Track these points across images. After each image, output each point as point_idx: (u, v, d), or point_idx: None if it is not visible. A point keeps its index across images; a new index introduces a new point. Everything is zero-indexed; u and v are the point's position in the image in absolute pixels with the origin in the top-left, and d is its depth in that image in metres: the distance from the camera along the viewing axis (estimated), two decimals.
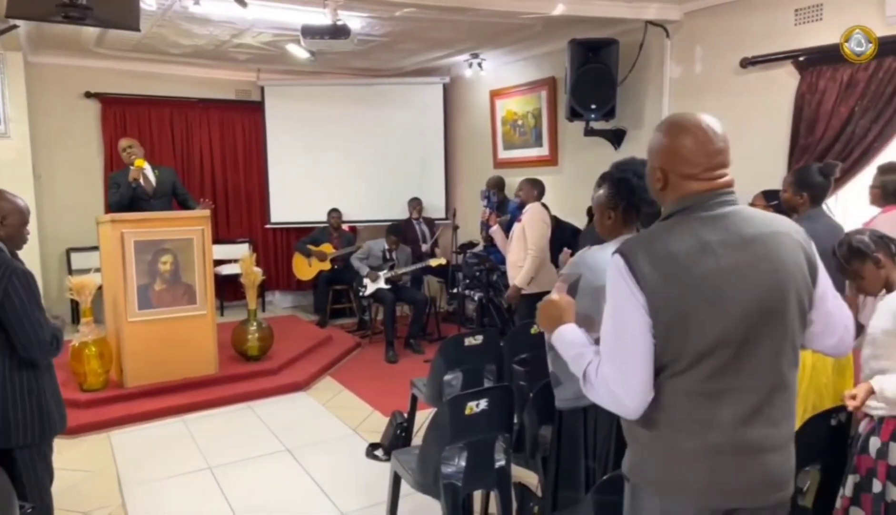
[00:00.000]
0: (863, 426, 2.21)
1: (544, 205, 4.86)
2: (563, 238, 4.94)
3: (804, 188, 2.99)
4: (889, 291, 2.22)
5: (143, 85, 6.91)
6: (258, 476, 3.60)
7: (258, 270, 5.16)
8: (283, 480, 3.55)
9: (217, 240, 6.45)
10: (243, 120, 7.55)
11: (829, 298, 1.54)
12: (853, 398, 2.11)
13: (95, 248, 4.93)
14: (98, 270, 4.76)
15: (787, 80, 4.11)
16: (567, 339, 1.62)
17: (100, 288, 4.60)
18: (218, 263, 6.45)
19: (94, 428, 4.16)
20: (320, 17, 4.44)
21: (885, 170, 3.14)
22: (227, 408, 4.56)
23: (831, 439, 2.36)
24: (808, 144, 3.94)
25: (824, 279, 1.53)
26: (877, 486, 2.12)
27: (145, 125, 7.01)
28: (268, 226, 7.60)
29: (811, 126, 3.94)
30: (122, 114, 6.90)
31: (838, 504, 2.24)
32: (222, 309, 6.95)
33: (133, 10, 3.57)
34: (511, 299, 4.61)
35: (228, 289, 7.07)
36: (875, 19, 3.59)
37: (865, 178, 3.40)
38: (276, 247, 7.81)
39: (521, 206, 4.71)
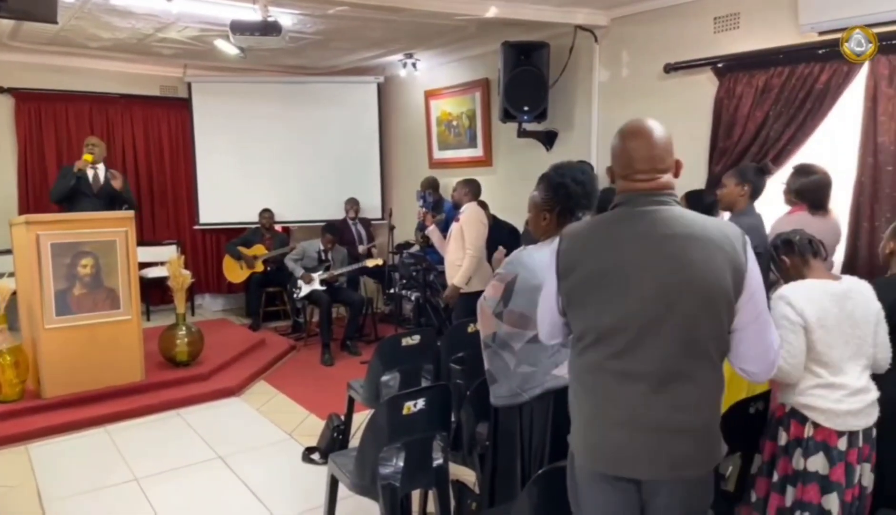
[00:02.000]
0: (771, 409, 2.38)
1: (483, 203, 4.92)
2: (501, 237, 5.01)
3: (746, 182, 3.16)
4: None
5: (60, 80, 6.57)
6: (189, 486, 3.48)
7: (186, 272, 4.99)
8: (215, 489, 3.45)
9: (142, 242, 6.22)
10: (169, 117, 7.28)
11: (754, 308, 1.60)
12: None
13: (9, 251, 4.66)
14: (12, 274, 4.49)
15: (707, 85, 4.31)
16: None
17: (14, 293, 4.35)
18: (143, 265, 6.19)
19: (11, 441, 3.93)
20: (250, 13, 4.34)
21: (797, 172, 3.31)
22: (154, 417, 4.39)
23: (751, 426, 2.49)
24: (726, 146, 4.14)
25: (751, 289, 1.59)
26: (767, 468, 2.29)
27: (62, 122, 6.67)
28: (196, 227, 7.36)
29: (729, 129, 4.14)
30: (37, 110, 6.54)
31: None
32: (148, 314, 6.69)
33: (50, 1, 3.38)
34: (450, 299, 4.64)
35: (155, 293, 6.80)
36: (788, 28, 3.81)
37: (780, 179, 3.58)
38: (206, 249, 7.58)
39: (457, 206, 4.75)
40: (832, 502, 2.15)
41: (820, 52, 3.67)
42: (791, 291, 2.22)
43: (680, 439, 1.61)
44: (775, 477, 2.25)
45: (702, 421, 1.63)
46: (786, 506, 2.21)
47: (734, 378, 3.01)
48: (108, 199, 5.23)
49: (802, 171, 3.29)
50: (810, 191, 3.21)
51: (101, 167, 5.30)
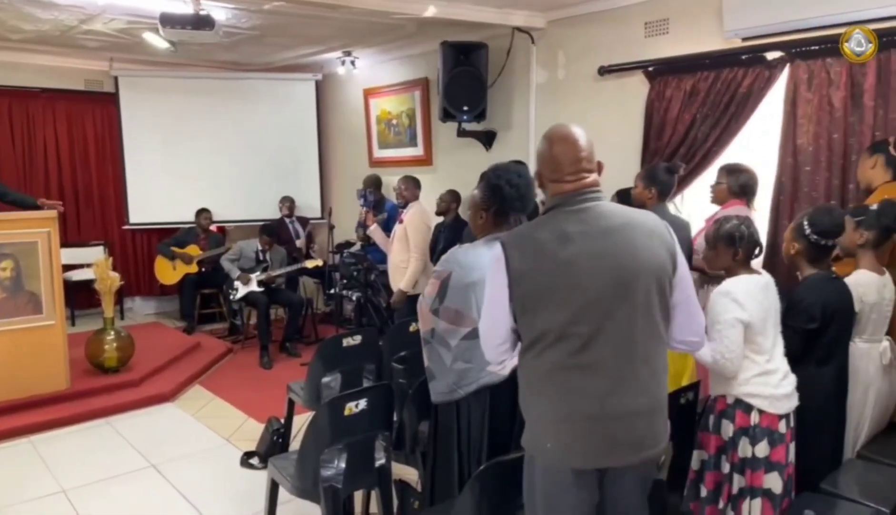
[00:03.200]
0: (709, 405, 2.43)
1: (455, 192, 4.96)
2: (459, 233, 5.01)
3: (652, 184, 3.25)
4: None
5: None
6: (120, 496, 3.36)
7: (115, 274, 4.80)
8: (149, 499, 3.33)
9: (66, 243, 5.93)
10: (94, 113, 6.97)
11: (687, 285, 1.78)
12: None
13: None
14: None
15: (639, 87, 4.45)
16: None
17: None
18: (68, 268, 5.93)
19: None
20: (181, 6, 4.20)
21: (730, 170, 3.46)
22: (81, 425, 4.21)
23: (680, 416, 2.59)
24: (657, 147, 4.29)
25: (682, 268, 1.76)
26: (705, 455, 2.37)
27: None
28: (126, 227, 7.08)
29: (660, 131, 4.29)
30: None
31: (690, 474, 2.46)
32: (73, 318, 6.39)
33: None
34: (397, 304, 4.61)
35: (81, 296, 6.51)
36: (714, 34, 3.97)
37: (707, 179, 3.74)
38: (136, 250, 7.30)
39: (404, 204, 4.72)
40: (773, 481, 2.27)
41: (743, 57, 3.85)
42: (735, 287, 2.28)
43: (645, 420, 1.71)
44: (726, 468, 2.31)
45: (659, 399, 1.74)
46: (733, 493, 2.30)
47: None
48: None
49: (736, 169, 3.42)
50: (750, 186, 3.37)
51: None
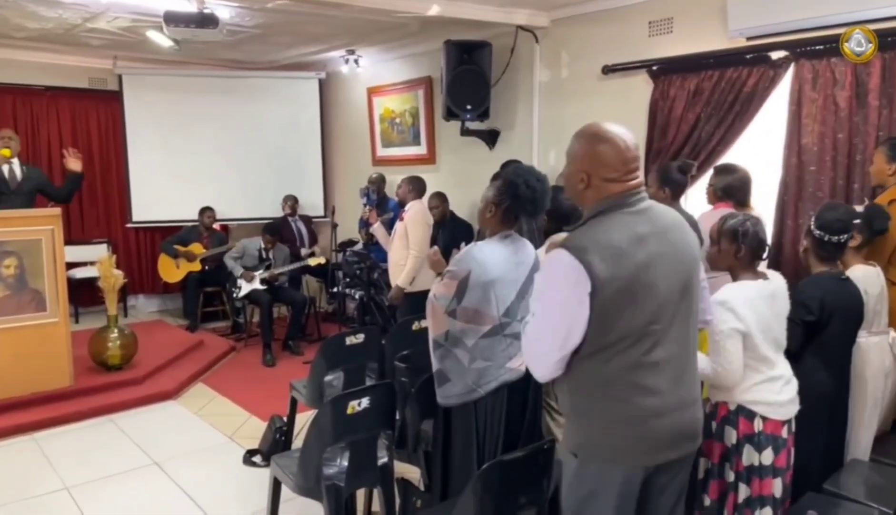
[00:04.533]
0: (709, 410, 2.34)
1: (443, 196, 4.99)
2: (456, 233, 5.02)
3: (666, 184, 3.24)
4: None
5: None
6: (123, 493, 3.36)
7: (118, 272, 4.80)
8: (151, 496, 3.34)
9: (70, 241, 5.95)
10: (98, 111, 6.98)
11: (701, 269, 1.87)
12: None
13: None
14: None
15: (642, 87, 4.44)
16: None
17: None
18: (71, 265, 5.93)
19: None
20: (185, 4, 4.20)
21: (718, 171, 3.45)
22: (85, 423, 4.21)
23: None
24: (661, 147, 4.28)
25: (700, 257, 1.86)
26: (708, 464, 2.32)
27: None
28: (129, 225, 7.08)
29: (664, 130, 4.28)
30: None
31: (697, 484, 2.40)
32: (77, 316, 6.40)
33: None
34: (394, 300, 4.62)
35: (84, 294, 6.50)
36: (718, 34, 3.96)
37: (704, 180, 3.73)
38: (140, 248, 7.31)
39: (402, 204, 4.73)
40: (776, 486, 2.24)
41: (748, 56, 3.84)
42: (732, 296, 2.19)
43: (696, 410, 1.78)
44: (731, 477, 2.26)
45: (699, 392, 1.82)
46: (739, 502, 2.24)
47: None
48: (28, 196, 4.84)
49: (725, 170, 3.42)
50: (736, 188, 3.34)
51: (16, 162, 4.83)
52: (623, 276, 1.59)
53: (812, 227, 2.52)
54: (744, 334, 2.16)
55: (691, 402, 1.76)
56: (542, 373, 1.73)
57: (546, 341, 1.67)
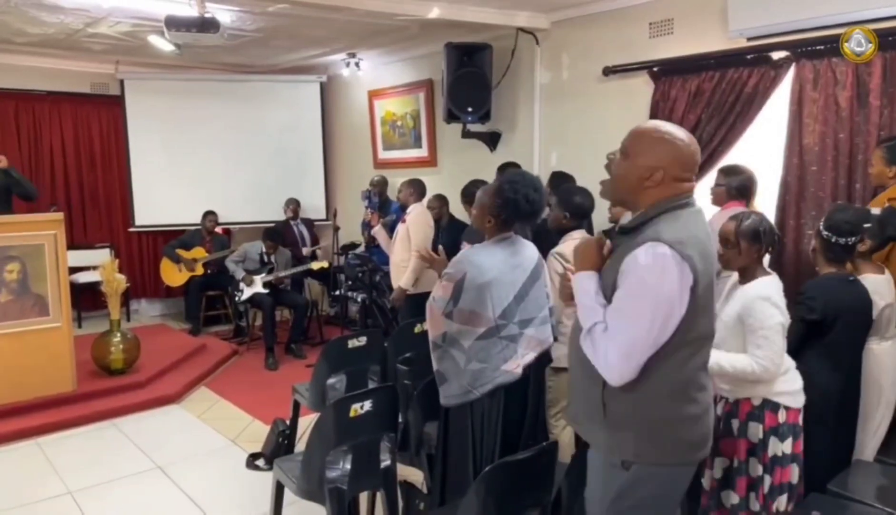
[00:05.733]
0: (720, 409, 2.36)
1: (444, 198, 5.01)
2: (457, 235, 5.03)
3: None
4: (743, 281, 2.33)
5: None
6: (126, 498, 3.36)
7: (121, 276, 4.81)
8: (154, 500, 3.34)
9: (73, 245, 5.96)
10: (100, 115, 7.00)
11: None
12: None
13: None
14: None
15: (643, 88, 4.43)
16: (585, 287, 1.75)
17: None
18: (74, 270, 5.95)
19: None
20: (186, 9, 4.21)
21: (728, 171, 3.46)
22: (88, 427, 4.22)
23: None
24: None
25: None
26: (735, 462, 2.30)
27: None
28: (132, 229, 7.10)
29: None
30: None
31: (706, 484, 2.39)
32: (80, 320, 6.41)
33: None
34: (396, 301, 4.62)
35: (87, 298, 6.53)
36: (719, 34, 3.96)
37: (711, 179, 3.72)
38: (142, 252, 7.32)
39: (403, 207, 4.74)
40: (794, 473, 2.28)
41: (748, 57, 3.83)
42: (772, 291, 2.22)
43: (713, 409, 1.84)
44: (759, 471, 2.27)
45: None
46: (765, 493, 2.26)
47: None
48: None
49: (733, 170, 3.42)
50: (747, 188, 3.36)
51: None
52: (709, 272, 1.66)
53: (821, 228, 2.52)
54: (784, 326, 2.22)
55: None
56: (622, 373, 1.63)
57: (640, 338, 1.59)
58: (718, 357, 2.21)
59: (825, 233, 2.49)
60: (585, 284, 1.74)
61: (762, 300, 2.20)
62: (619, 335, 1.62)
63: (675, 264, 1.57)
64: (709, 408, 1.77)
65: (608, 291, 1.69)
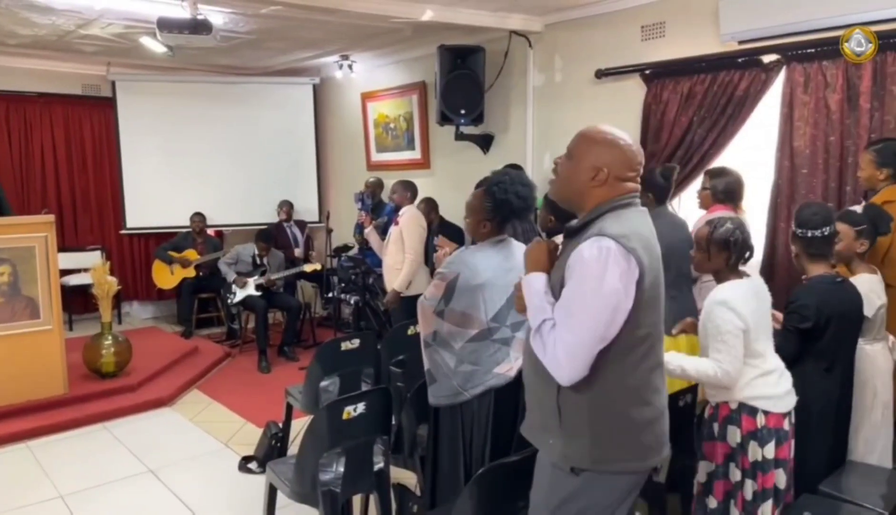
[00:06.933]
0: (707, 413, 2.38)
1: (433, 202, 5.00)
2: (448, 237, 5.02)
3: (648, 189, 3.23)
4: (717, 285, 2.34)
5: None
6: (118, 501, 3.34)
7: (112, 279, 4.78)
8: (146, 503, 3.32)
9: (64, 248, 5.93)
10: (91, 117, 6.96)
11: None
12: None
13: None
14: None
15: (635, 91, 4.45)
16: (535, 287, 1.73)
17: None
18: (65, 272, 5.91)
19: None
20: (178, 11, 4.20)
21: (714, 174, 3.47)
22: (79, 430, 4.19)
23: (678, 419, 2.58)
24: (654, 150, 4.29)
25: None
26: (711, 466, 2.31)
27: None
28: (123, 232, 7.06)
29: (657, 134, 4.30)
30: None
31: (695, 489, 2.40)
32: (71, 323, 6.38)
33: None
34: (390, 304, 4.61)
35: (78, 301, 6.50)
36: (710, 37, 3.98)
37: (695, 185, 3.74)
38: (134, 254, 7.28)
39: (397, 208, 4.73)
40: (779, 478, 2.26)
41: (740, 60, 3.86)
42: (731, 296, 2.23)
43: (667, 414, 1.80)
44: (737, 476, 2.27)
45: None
46: (747, 499, 2.25)
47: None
48: None
49: (720, 173, 3.44)
50: (733, 190, 3.39)
51: None
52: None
53: (794, 230, 2.53)
54: (745, 331, 2.20)
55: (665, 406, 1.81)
56: (571, 371, 1.60)
57: (586, 332, 1.58)
58: (681, 361, 2.25)
59: (800, 231, 2.50)
60: (534, 284, 1.73)
61: (719, 305, 2.21)
62: (566, 330, 1.60)
63: (620, 256, 1.58)
64: (664, 412, 1.75)
65: (556, 290, 1.68)
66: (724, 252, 2.29)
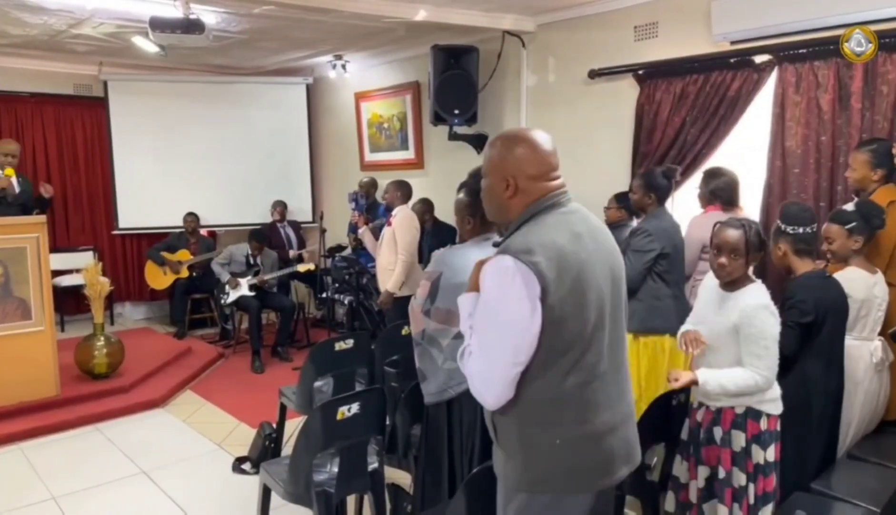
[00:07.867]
0: (701, 416, 2.37)
1: (429, 202, 5.00)
2: (443, 238, 5.03)
3: (651, 190, 3.25)
4: (732, 288, 2.31)
5: None
6: (111, 502, 3.33)
7: (104, 280, 4.76)
8: (139, 505, 3.31)
9: (55, 248, 5.90)
10: (83, 117, 6.93)
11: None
12: (676, 379, 2.26)
13: None
14: None
15: (629, 91, 4.47)
16: (464, 309, 1.64)
17: None
18: (57, 273, 5.88)
19: None
20: (171, 10, 4.19)
21: (709, 175, 3.50)
22: (71, 432, 4.17)
23: (673, 417, 2.59)
24: (647, 150, 4.31)
25: None
26: (722, 472, 2.29)
27: None
28: (115, 232, 7.04)
29: (650, 134, 4.31)
30: None
31: (692, 496, 2.39)
32: (63, 324, 6.34)
33: None
34: (384, 304, 4.61)
35: (70, 302, 6.47)
36: (703, 38, 4.00)
37: (697, 182, 3.76)
38: (126, 255, 7.25)
39: (389, 208, 4.73)
40: (775, 482, 2.28)
41: (732, 60, 3.87)
42: (768, 299, 2.22)
43: (633, 423, 1.68)
44: (742, 480, 2.26)
45: (631, 408, 1.69)
46: (751, 503, 2.26)
47: (654, 372, 3.14)
48: (22, 207, 4.73)
49: (713, 174, 3.49)
50: (723, 190, 3.42)
51: (14, 178, 4.72)
52: (570, 276, 1.50)
53: (783, 227, 2.54)
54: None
55: (630, 415, 1.67)
56: (493, 397, 1.54)
57: (498, 356, 1.50)
58: (719, 378, 2.21)
59: (790, 229, 2.51)
60: (464, 306, 1.64)
61: (762, 309, 2.18)
62: (477, 358, 1.54)
63: (518, 274, 1.47)
64: (613, 429, 1.59)
65: None
66: (760, 253, 2.28)
